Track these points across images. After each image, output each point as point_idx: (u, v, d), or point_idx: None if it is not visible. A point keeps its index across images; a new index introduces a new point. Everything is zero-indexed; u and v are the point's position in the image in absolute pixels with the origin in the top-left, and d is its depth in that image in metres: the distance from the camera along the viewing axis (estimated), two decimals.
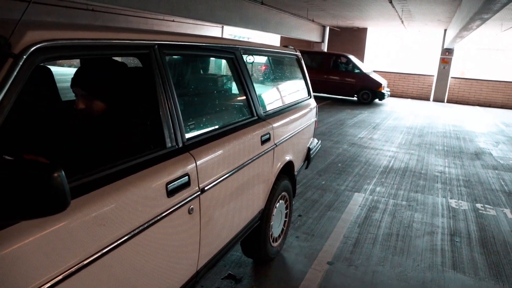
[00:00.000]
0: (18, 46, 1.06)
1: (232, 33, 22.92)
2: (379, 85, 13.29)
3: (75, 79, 1.61)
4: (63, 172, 0.88)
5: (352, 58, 13.72)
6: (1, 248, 0.92)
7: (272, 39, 20.62)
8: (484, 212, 4.18)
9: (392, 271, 2.86)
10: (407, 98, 16.54)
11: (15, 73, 1.03)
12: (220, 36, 20.71)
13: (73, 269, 1.08)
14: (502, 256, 3.22)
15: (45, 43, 1.13)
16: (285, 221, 3.08)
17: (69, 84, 1.68)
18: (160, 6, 8.04)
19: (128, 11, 12.99)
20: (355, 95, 13.50)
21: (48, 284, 1.01)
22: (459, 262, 3.06)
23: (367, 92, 13.33)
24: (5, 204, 0.87)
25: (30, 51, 1.08)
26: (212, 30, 19.93)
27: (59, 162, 0.90)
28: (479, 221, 3.92)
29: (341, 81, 13.53)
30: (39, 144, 1.54)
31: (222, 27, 20.42)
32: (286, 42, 17.96)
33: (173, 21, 16.74)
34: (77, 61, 1.79)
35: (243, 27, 11.48)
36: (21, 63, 1.05)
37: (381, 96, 13.33)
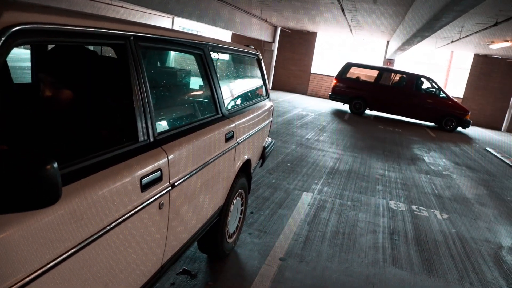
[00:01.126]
0: None
1: (182, 25, 22.46)
2: (466, 112, 12.29)
3: (43, 64, 1.52)
4: (56, 164, 0.85)
5: (436, 80, 12.76)
6: None
7: (222, 35, 20.54)
8: (418, 213, 4.56)
9: (339, 267, 3.04)
10: None
11: None
12: (170, 27, 20.18)
13: (48, 266, 1.04)
14: (433, 253, 3.56)
15: (23, 26, 1.07)
16: (240, 217, 3.13)
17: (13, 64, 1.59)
18: None
19: None
20: (436, 121, 12.55)
21: (25, 280, 0.96)
22: (397, 259, 3.33)
23: (451, 119, 12.30)
24: None
25: (8, 33, 1.02)
26: (162, 20, 19.36)
27: (51, 152, 0.87)
28: (415, 221, 4.27)
29: (423, 105, 12.36)
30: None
31: (173, 18, 19.92)
32: (237, 39, 18.01)
33: (122, 7, 16.01)
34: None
35: (196, 21, 11.32)
36: None
37: (467, 125, 12.32)
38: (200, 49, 2.29)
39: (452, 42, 12.43)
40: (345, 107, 15.01)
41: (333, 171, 5.84)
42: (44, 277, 1.02)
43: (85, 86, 1.59)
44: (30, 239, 0.98)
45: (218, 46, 2.60)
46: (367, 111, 13.86)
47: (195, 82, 2.56)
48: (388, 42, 16.70)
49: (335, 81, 13.47)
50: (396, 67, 16.57)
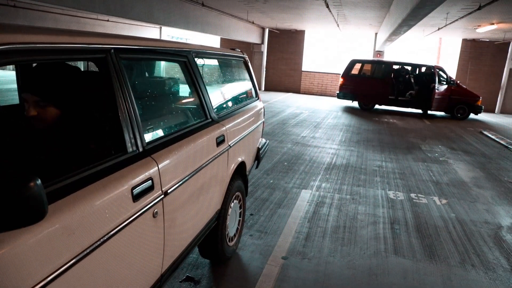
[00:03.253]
0: None
1: (170, 34, 22.50)
2: (477, 98, 12.26)
3: (26, 84, 1.54)
4: (39, 181, 0.86)
5: (444, 68, 12.46)
6: None
7: (212, 41, 20.59)
8: (417, 201, 4.58)
9: (342, 261, 3.05)
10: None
11: None
12: (159, 36, 20.21)
13: (45, 281, 1.05)
14: (434, 239, 3.57)
15: (0, 47, 1.08)
16: (239, 220, 3.14)
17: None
18: (95, 6, 7.67)
19: (57, 9, 12.20)
20: (447, 111, 12.44)
21: None
22: (399, 247, 3.35)
23: (463, 107, 12.28)
24: None
25: None
26: (149, 31, 19.38)
27: (33, 171, 0.88)
28: (414, 209, 4.29)
29: (434, 95, 11.91)
30: None
31: (160, 28, 19.94)
32: (226, 43, 18.06)
33: (108, 20, 16.02)
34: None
35: (183, 28, 11.34)
36: None
37: (479, 110, 12.33)
38: (183, 56, 2.31)
39: (439, 29, 12.50)
40: (341, 102, 15.06)
41: (330, 166, 5.86)
42: None
43: (70, 101, 1.60)
44: (23, 256, 0.99)
45: (202, 52, 2.61)
46: (377, 106, 13.80)
47: (182, 89, 2.57)
48: (376, 34, 16.78)
49: (341, 80, 13.23)
50: (386, 58, 16.63)
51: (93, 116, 1.60)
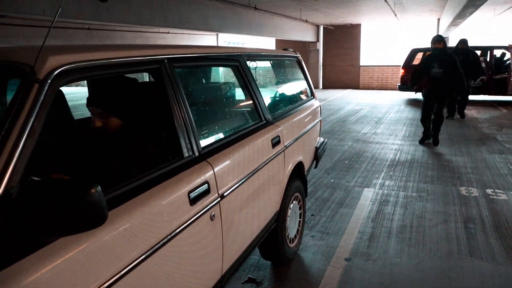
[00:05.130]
0: (42, 71, 1.12)
1: (227, 40, 23.07)
2: None
3: (91, 98, 1.66)
4: (99, 188, 0.92)
5: None
6: (42, 266, 0.96)
7: (267, 43, 20.73)
8: (495, 197, 4.19)
9: (409, 262, 2.88)
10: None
11: (42, 97, 1.08)
12: (216, 43, 20.84)
13: (106, 284, 1.12)
14: None
15: (66, 67, 1.18)
16: (299, 221, 3.11)
17: (75, 103, 1.73)
18: (154, 20, 8.13)
19: (123, 27, 13.12)
20: None
21: None
22: (475, 249, 3.08)
23: None
24: (46, 222, 0.91)
25: (53, 75, 1.13)
26: (207, 38, 20.06)
27: (94, 179, 0.94)
28: (491, 206, 3.93)
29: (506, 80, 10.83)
30: (61, 163, 1.58)
31: (217, 34, 20.54)
32: (281, 44, 18.06)
33: (168, 32, 16.86)
34: (84, 81, 1.84)
35: (237, 33, 11.56)
36: (46, 87, 1.10)
37: None
38: (235, 60, 2.34)
39: None
40: (404, 95, 14.34)
41: (394, 163, 5.58)
42: None
43: (130, 111, 1.69)
44: (87, 259, 1.07)
45: (253, 55, 2.63)
46: None
47: (236, 92, 2.61)
48: (438, 19, 15.72)
49: (402, 71, 12.48)
50: (451, 44, 15.49)
51: (151, 124, 1.68)
